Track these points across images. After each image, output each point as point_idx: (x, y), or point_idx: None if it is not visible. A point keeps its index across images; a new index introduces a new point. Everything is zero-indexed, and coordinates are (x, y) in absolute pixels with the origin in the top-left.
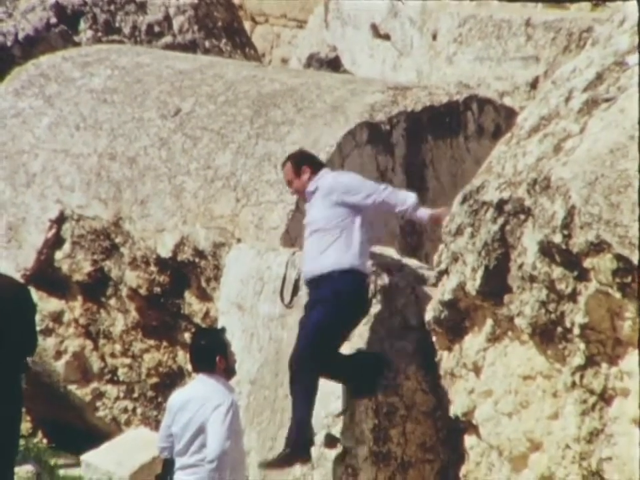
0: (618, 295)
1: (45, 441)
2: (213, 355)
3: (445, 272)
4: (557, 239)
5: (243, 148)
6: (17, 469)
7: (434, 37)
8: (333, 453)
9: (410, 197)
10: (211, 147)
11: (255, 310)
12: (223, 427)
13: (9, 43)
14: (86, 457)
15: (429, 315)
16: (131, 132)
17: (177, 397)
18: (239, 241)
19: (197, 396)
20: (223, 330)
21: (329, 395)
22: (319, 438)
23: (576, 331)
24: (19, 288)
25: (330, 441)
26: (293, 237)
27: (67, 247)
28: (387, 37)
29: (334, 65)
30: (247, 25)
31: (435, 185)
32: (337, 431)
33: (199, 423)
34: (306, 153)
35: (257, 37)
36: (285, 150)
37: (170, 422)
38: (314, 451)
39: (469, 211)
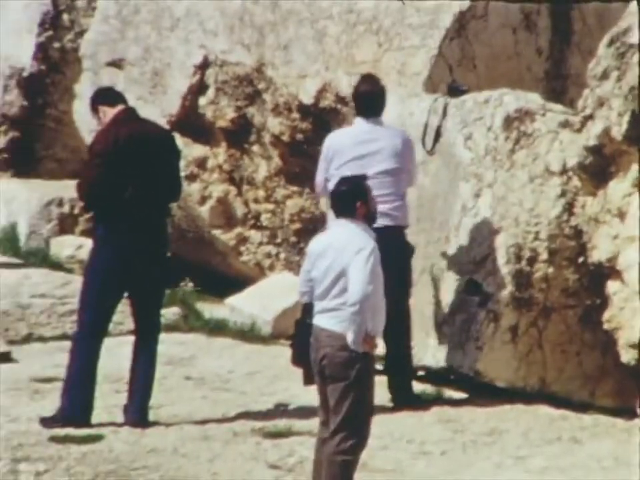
0: None
1: (190, 284)
2: (353, 200)
3: (590, 117)
4: None
5: None
6: (163, 311)
7: None
8: (475, 299)
9: None
10: None
11: None
12: (364, 271)
13: None
14: (230, 301)
15: (572, 161)
16: None
17: (317, 242)
18: None
19: (338, 240)
20: (364, 177)
21: (472, 241)
22: (461, 284)
23: None
24: (164, 134)
25: (472, 287)
26: (435, 82)
27: (210, 92)
28: None
29: None
30: None
31: (581, 27)
32: (479, 276)
33: (340, 267)
34: None
35: None
36: None
37: (310, 267)
38: (454, 297)
39: (615, 54)
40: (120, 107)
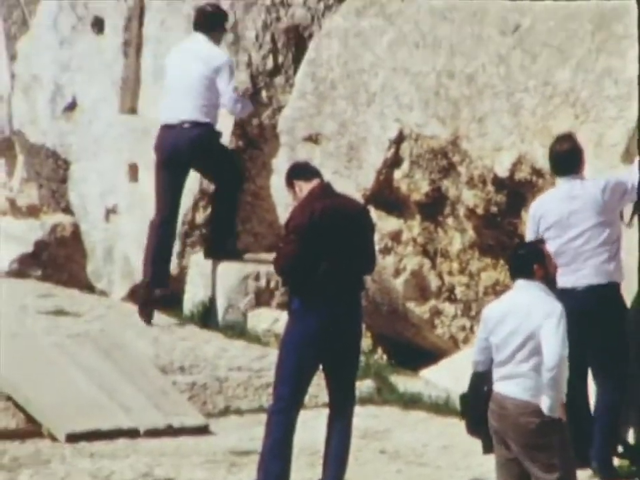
0: None
1: (384, 357)
2: (530, 262)
3: None
4: None
5: (582, 63)
6: (358, 384)
7: None
8: None
9: None
10: (550, 62)
11: None
12: (558, 335)
13: None
14: (425, 374)
15: None
16: (469, 49)
17: (493, 309)
18: None
19: (520, 304)
20: (541, 241)
21: None
22: None
23: None
24: (359, 208)
25: None
26: (633, 154)
27: (405, 166)
28: None
29: None
30: None
31: None
32: None
33: (527, 331)
34: None
35: None
36: (627, 65)
37: (486, 334)
38: None
39: None
40: (315, 182)
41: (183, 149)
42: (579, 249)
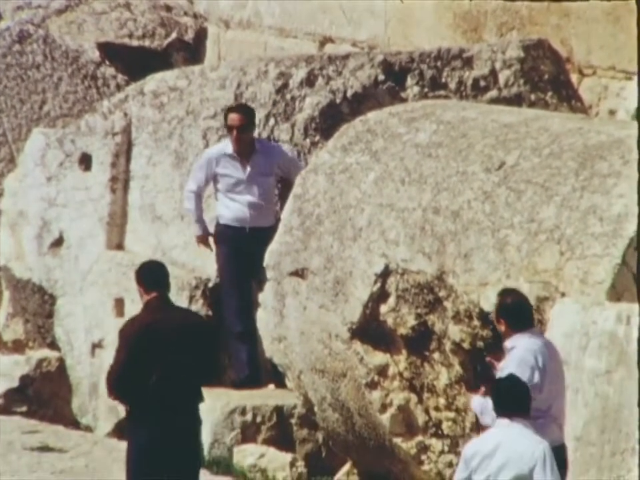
0: None
1: None
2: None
3: None
4: None
5: (567, 201)
6: None
7: None
8: None
9: None
10: (535, 199)
11: (579, 365)
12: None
13: (337, 100)
14: None
15: None
16: (454, 186)
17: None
18: (563, 295)
19: (506, 441)
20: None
21: None
22: None
23: None
24: (196, 320)
25: None
26: (619, 291)
27: (391, 300)
28: None
29: None
30: (574, 77)
31: None
32: None
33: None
34: None
35: (584, 89)
36: (611, 202)
37: (468, 473)
38: None
39: None
40: (153, 294)
41: None
42: None
